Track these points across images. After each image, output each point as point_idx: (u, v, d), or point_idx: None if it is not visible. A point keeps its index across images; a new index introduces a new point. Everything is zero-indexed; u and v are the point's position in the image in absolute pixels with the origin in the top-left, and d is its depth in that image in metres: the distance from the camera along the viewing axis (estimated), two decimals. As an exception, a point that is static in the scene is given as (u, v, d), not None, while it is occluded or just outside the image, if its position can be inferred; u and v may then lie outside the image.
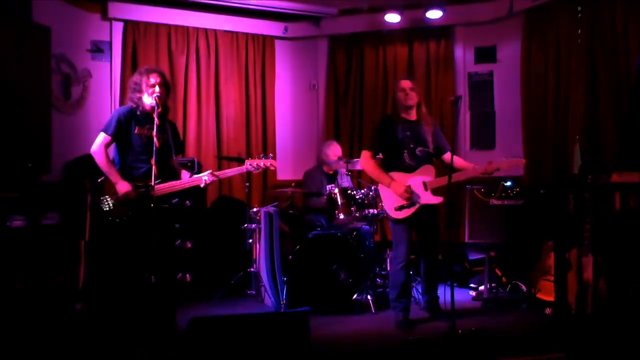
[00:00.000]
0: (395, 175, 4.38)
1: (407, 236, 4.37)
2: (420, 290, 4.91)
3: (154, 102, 3.83)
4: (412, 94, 4.43)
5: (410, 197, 4.26)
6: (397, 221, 4.36)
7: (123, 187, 3.81)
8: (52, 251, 4.51)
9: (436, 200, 4.35)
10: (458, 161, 4.41)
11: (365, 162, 4.47)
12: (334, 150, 5.77)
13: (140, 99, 3.94)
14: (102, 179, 3.92)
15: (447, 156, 4.52)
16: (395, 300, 4.44)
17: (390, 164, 4.45)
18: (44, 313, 4.25)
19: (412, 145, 4.39)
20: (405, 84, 4.46)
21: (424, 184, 4.33)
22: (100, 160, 3.90)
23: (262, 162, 4.13)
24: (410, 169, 4.38)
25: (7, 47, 4.94)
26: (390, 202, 4.36)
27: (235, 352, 3.03)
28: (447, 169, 4.23)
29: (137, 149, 3.93)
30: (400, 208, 4.31)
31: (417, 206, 4.31)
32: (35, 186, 4.66)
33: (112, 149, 4.05)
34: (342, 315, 4.68)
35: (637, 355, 3.47)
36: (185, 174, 4.11)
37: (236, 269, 5.36)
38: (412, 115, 4.48)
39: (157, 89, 3.88)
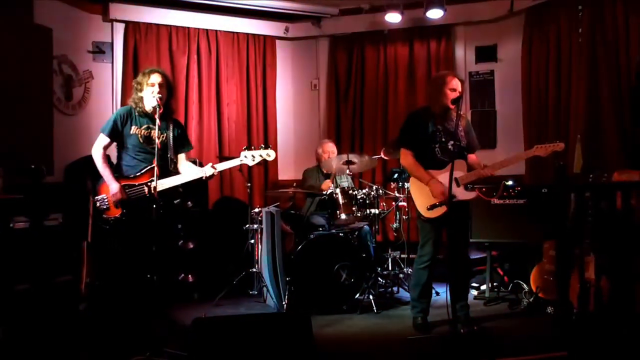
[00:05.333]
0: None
1: (435, 235, 4.16)
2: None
3: (155, 102, 3.85)
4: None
5: (447, 197, 3.92)
6: (426, 220, 4.15)
7: (114, 188, 3.87)
8: (56, 252, 4.52)
9: (470, 195, 4.15)
10: (477, 162, 4.26)
11: (404, 159, 4.22)
12: (326, 149, 5.77)
13: (141, 99, 3.99)
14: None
15: (471, 157, 4.30)
16: (416, 300, 4.28)
17: (421, 160, 4.17)
18: (47, 313, 4.26)
19: (443, 139, 4.14)
20: (458, 85, 4.12)
21: (456, 179, 4.03)
22: (97, 160, 3.98)
23: (258, 153, 4.15)
24: (442, 165, 4.12)
25: (9, 48, 4.96)
26: (422, 200, 4.13)
27: (238, 353, 3.04)
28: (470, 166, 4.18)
29: (134, 149, 3.99)
30: (433, 207, 4.07)
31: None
32: (38, 188, 4.68)
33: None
34: (344, 315, 4.69)
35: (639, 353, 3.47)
36: (190, 167, 4.13)
37: (238, 269, 5.37)
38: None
39: (156, 88, 3.91)
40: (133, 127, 3.99)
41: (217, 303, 4.98)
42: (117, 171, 3.98)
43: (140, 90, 3.99)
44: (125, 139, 4.00)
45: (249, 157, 4.14)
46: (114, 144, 4.04)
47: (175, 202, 4.09)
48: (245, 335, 3.09)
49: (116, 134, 3.98)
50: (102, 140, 3.99)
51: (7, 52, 4.92)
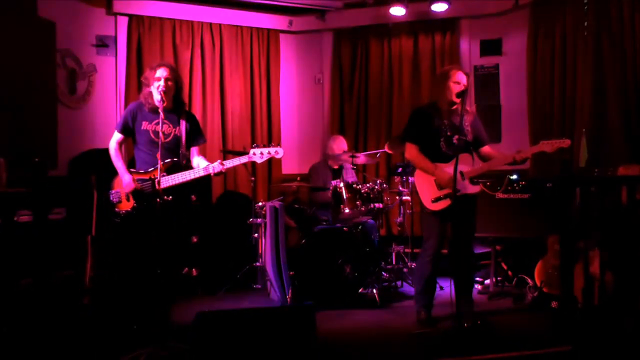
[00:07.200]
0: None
1: (439, 229, 4.13)
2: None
3: (159, 96, 3.85)
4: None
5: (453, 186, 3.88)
6: (430, 213, 4.14)
7: (126, 179, 3.90)
8: (59, 246, 4.53)
9: (475, 189, 4.13)
10: (495, 152, 4.25)
11: (408, 152, 4.23)
12: (339, 144, 5.78)
13: (150, 93, 3.99)
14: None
15: (485, 149, 4.27)
16: (420, 294, 4.26)
17: (426, 154, 4.17)
18: (51, 307, 4.27)
19: (448, 133, 4.12)
20: (463, 78, 4.14)
21: (461, 173, 4.02)
22: (111, 154, 4.05)
23: (266, 150, 4.08)
24: (447, 158, 4.10)
25: (13, 42, 4.96)
26: (427, 193, 4.12)
27: (241, 346, 3.04)
28: (480, 159, 4.16)
29: (146, 144, 3.99)
30: (437, 200, 4.07)
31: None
32: (42, 181, 4.68)
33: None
34: (347, 309, 4.69)
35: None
36: (202, 161, 4.11)
37: (242, 263, 5.37)
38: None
39: (162, 82, 3.90)
40: (144, 123, 4.00)
41: (221, 297, 4.99)
42: (132, 167, 4.02)
43: (148, 86, 4.01)
44: (137, 135, 4.02)
45: (258, 155, 4.05)
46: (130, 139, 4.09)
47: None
48: (248, 329, 3.09)
49: (128, 130, 4.03)
50: (116, 136, 4.07)
51: (10, 46, 4.92)
